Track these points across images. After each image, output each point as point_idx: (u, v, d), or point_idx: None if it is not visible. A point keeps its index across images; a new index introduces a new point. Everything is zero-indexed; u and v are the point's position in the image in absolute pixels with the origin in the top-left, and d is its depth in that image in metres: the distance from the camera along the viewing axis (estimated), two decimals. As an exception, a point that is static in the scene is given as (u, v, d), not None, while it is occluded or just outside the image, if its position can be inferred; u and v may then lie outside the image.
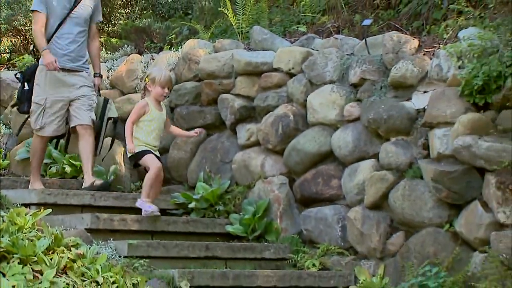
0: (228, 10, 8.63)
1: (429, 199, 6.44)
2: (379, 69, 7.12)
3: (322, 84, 7.43)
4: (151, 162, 7.01)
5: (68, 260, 5.59)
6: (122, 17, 10.17)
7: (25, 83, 7.56)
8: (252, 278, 6.47)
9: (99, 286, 5.46)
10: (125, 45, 9.52)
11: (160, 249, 6.63)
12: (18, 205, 6.58)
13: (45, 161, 8.47)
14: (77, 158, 8.37)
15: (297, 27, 8.53)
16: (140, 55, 9.02)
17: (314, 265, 6.93)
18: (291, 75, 7.72)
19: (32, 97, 7.44)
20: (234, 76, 8.06)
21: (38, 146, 7.58)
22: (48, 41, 7.42)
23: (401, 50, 7.00)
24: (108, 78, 8.91)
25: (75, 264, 5.60)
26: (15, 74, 7.94)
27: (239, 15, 8.69)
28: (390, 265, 6.68)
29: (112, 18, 10.24)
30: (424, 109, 6.64)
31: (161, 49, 9.03)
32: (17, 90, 7.84)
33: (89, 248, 5.99)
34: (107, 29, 10.28)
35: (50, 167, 8.46)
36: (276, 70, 7.81)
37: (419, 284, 6.12)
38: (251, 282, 6.46)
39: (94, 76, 7.78)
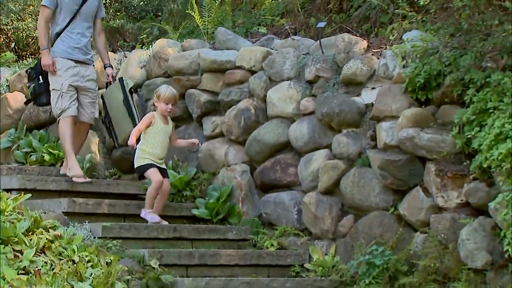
0: (195, 13, 8.65)
1: (376, 185, 6.50)
2: (332, 68, 7.17)
3: (280, 80, 7.47)
4: (153, 177, 6.84)
5: (46, 240, 5.60)
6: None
7: (39, 77, 7.42)
8: (215, 257, 6.50)
9: (75, 265, 5.44)
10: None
11: (132, 230, 6.63)
12: (0, 191, 6.54)
13: (25, 150, 8.50)
14: (55, 147, 8.39)
15: (258, 29, 8.53)
16: (114, 53, 9.00)
17: (272, 245, 6.95)
18: (252, 72, 7.75)
19: (50, 86, 7.32)
20: (200, 73, 8.07)
21: (66, 130, 7.31)
22: (59, 34, 7.34)
23: (352, 50, 7.05)
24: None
25: (53, 244, 5.61)
26: (26, 71, 7.77)
27: (205, 17, 8.71)
28: (341, 245, 6.74)
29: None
30: (372, 104, 6.69)
31: (133, 48, 9.02)
32: (29, 88, 7.60)
33: (66, 230, 6.01)
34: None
35: (31, 156, 8.38)
36: (239, 67, 7.83)
37: (366, 261, 6.17)
38: (215, 260, 6.48)
39: (105, 67, 7.76)
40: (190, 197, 7.60)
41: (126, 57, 8.74)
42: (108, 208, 7.02)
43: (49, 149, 8.36)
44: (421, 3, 6.14)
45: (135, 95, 7.65)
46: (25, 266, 5.22)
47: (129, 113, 7.49)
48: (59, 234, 5.73)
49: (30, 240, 5.50)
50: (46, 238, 5.61)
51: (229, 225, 7.27)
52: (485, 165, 5.41)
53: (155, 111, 7.01)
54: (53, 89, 7.30)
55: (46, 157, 8.31)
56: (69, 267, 5.38)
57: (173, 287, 5.85)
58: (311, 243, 6.93)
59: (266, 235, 7.09)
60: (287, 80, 7.43)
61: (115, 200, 7.23)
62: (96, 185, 7.56)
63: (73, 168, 7.27)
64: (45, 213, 6.37)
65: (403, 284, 6.00)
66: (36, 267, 5.26)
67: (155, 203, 6.92)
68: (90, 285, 5.13)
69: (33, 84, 7.48)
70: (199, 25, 8.72)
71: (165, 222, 6.80)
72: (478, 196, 5.68)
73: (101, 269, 5.49)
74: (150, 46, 8.65)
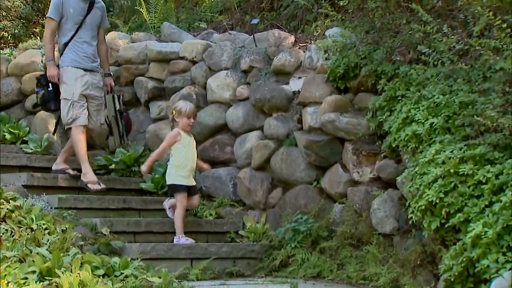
0: (143, 9, 8.58)
1: (301, 163, 6.59)
2: (264, 59, 7.21)
3: (219, 70, 7.49)
4: (181, 201, 6.40)
5: (7, 210, 5.57)
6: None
7: (49, 84, 6.87)
8: (160, 225, 6.52)
9: (33, 232, 5.40)
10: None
11: (85, 202, 6.62)
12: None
13: (-13, 129, 8.36)
14: (16, 127, 8.27)
15: (199, 24, 8.51)
16: (70, 43, 8.89)
17: (211, 214, 6.98)
18: (194, 62, 7.76)
19: (60, 96, 6.82)
20: (147, 62, 8.04)
21: (78, 138, 6.81)
22: (67, 44, 6.88)
23: (281, 44, 7.13)
24: (42, 62, 8.72)
25: (13, 214, 5.57)
26: (36, 77, 7.20)
27: (152, 13, 8.66)
28: (270, 214, 6.81)
29: (46, 12, 9.97)
30: (299, 91, 6.77)
31: (87, 39, 8.92)
32: (38, 94, 7.01)
33: (25, 201, 5.98)
34: (42, 21, 10.04)
35: (-8, 134, 8.30)
36: (182, 58, 7.83)
37: (292, 228, 6.25)
38: (160, 228, 6.51)
39: (105, 76, 7.23)
40: (138, 172, 7.52)
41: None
42: (63, 182, 6.95)
43: (10, 129, 8.24)
44: (341, 3, 6.20)
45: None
46: (-13, 233, 5.18)
47: (118, 131, 7.20)
48: (19, 205, 5.68)
49: (-8, 210, 5.45)
50: (7, 208, 5.56)
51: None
52: (394, 145, 5.49)
53: (173, 127, 6.62)
54: (64, 98, 6.81)
55: (7, 136, 8.18)
56: (28, 234, 5.34)
57: (122, 252, 5.84)
58: (244, 213, 6.99)
59: (205, 206, 7.09)
60: (225, 69, 7.46)
61: (70, 175, 7.13)
62: (53, 161, 7.44)
63: (87, 174, 6.84)
64: (6, 186, 6.32)
65: (323, 247, 6.10)
66: (-2, 233, 5.23)
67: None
68: (47, 249, 5.09)
69: (43, 91, 6.92)
70: (147, 20, 8.67)
71: (194, 243, 6.34)
72: (387, 171, 5.78)
73: (57, 236, 5.45)
74: (103, 38, 8.56)
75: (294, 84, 6.90)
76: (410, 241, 5.36)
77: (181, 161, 6.46)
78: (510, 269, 3.72)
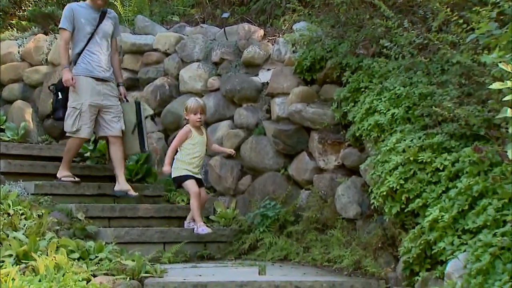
0: (117, 2, 8.54)
1: (270, 151, 6.61)
2: (235, 52, 7.24)
3: (191, 62, 7.49)
4: (191, 188, 6.19)
5: (-15, 196, 5.53)
6: (31, 4, 9.82)
7: (59, 93, 6.64)
8: (134, 210, 6.51)
9: (10, 217, 5.34)
10: (33, 27, 9.23)
11: (61, 188, 6.57)
12: None
13: (-33, 118, 8.25)
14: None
15: (172, 17, 8.49)
16: (46, 35, 8.79)
17: (183, 200, 6.97)
18: (167, 54, 7.76)
19: (68, 102, 6.55)
20: (122, 54, 7.98)
21: (73, 147, 6.62)
22: (80, 54, 6.60)
23: (251, 38, 7.13)
24: (19, 52, 8.66)
25: (-10, 199, 5.54)
26: (49, 87, 7.03)
27: (126, 6, 8.62)
28: (240, 200, 6.84)
29: (23, 5, 9.87)
30: (267, 83, 6.79)
31: (63, 31, 8.84)
32: (51, 101, 6.82)
33: (2, 187, 5.93)
34: (18, 13, 9.95)
35: (-29, 125, 8.20)
36: (155, 50, 7.83)
37: (261, 213, 6.28)
38: (133, 213, 6.49)
39: (118, 86, 6.88)
40: (113, 160, 7.54)
41: (56, 38, 8.54)
42: (40, 169, 6.91)
43: (-13, 119, 8.16)
44: (308, -1, 6.26)
45: (149, 119, 7.00)
46: (-35, 218, 5.12)
47: (140, 138, 6.76)
48: (-4, 191, 5.64)
49: (-30, 195, 5.39)
50: (-15, 194, 5.52)
51: (146, 184, 7.26)
52: (357, 134, 5.51)
53: (187, 124, 6.35)
54: (72, 107, 6.52)
55: (-15, 126, 8.10)
56: (4, 219, 5.28)
57: (97, 236, 5.81)
58: (215, 199, 6.99)
59: (178, 192, 7.07)
60: (197, 61, 7.46)
61: (47, 162, 7.12)
62: (30, 149, 7.43)
63: (62, 171, 6.64)
64: (-16, 172, 6.27)
65: (290, 231, 6.13)
66: (-24, 218, 5.17)
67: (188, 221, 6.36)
68: (23, 234, 5.06)
69: (52, 99, 6.77)
70: (121, 13, 8.61)
71: (209, 230, 6.18)
72: (351, 159, 5.81)
73: (33, 221, 5.41)
74: (78, 30, 8.48)
75: (263, 76, 6.92)
76: (372, 225, 5.40)
77: (188, 158, 6.24)
78: (464, 251, 3.77)
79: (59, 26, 6.71)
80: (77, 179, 6.67)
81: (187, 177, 6.20)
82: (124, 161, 6.81)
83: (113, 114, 6.65)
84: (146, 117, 6.85)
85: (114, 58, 6.90)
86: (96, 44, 6.63)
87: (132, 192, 6.63)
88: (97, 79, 6.57)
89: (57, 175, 6.66)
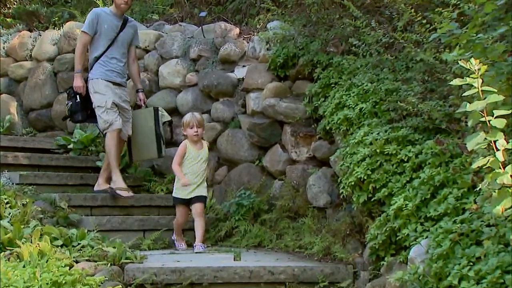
0: (99, 0, 8.49)
1: (245, 143, 6.61)
2: (212, 49, 7.20)
3: (170, 58, 7.45)
4: (177, 213, 5.99)
5: (-29, 186, 5.47)
6: (15, 2, 9.72)
7: (77, 96, 6.42)
8: (115, 200, 6.42)
9: (-4, 206, 5.36)
10: (18, 24, 9.15)
11: (45, 178, 6.53)
12: None
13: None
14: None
15: (152, 16, 8.43)
16: (30, 32, 8.71)
17: (162, 190, 6.93)
18: (147, 51, 7.71)
19: (93, 105, 6.39)
20: (104, 50, 7.96)
21: (112, 143, 6.34)
22: (98, 58, 6.44)
23: (227, 36, 7.12)
24: (4, 48, 8.57)
25: (-23, 189, 5.49)
26: (66, 90, 6.81)
27: (107, 5, 8.52)
28: (217, 190, 6.81)
29: (8, 2, 9.77)
30: (243, 79, 6.76)
31: (47, 28, 8.74)
32: (67, 106, 6.55)
33: (-11, 177, 5.89)
34: (3, 11, 9.85)
35: (-42, 117, 8.11)
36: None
37: (236, 202, 6.27)
38: (114, 202, 6.41)
39: (137, 92, 6.79)
40: (95, 151, 7.48)
41: (40, 35, 8.47)
42: (24, 160, 6.85)
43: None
44: (281, -1, 6.27)
45: (166, 125, 6.84)
46: (-48, 207, 5.07)
47: (158, 143, 6.61)
48: (-18, 181, 5.58)
49: (-43, 185, 5.33)
50: (-29, 184, 5.47)
51: (126, 174, 7.15)
52: (328, 128, 5.53)
53: (186, 140, 6.05)
54: (97, 106, 6.36)
55: (-29, 118, 8.03)
56: (-9, 208, 5.26)
57: (80, 224, 5.78)
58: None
59: (157, 182, 7.06)
60: (175, 58, 7.42)
61: (31, 153, 7.06)
62: (15, 140, 7.39)
63: (117, 181, 6.39)
64: (-30, 164, 6.21)
65: (264, 219, 6.14)
66: (-38, 207, 5.12)
67: (196, 232, 5.91)
68: (8, 222, 5.02)
69: (71, 103, 6.48)
70: (103, 11, 8.55)
71: (202, 247, 5.78)
72: (322, 151, 5.83)
73: (18, 209, 5.37)
74: (61, 27, 8.41)
75: (239, 72, 6.90)
76: (341, 213, 5.42)
77: (184, 174, 5.91)
78: (426, 237, 3.81)
79: (81, 29, 6.54)
80: (131, 194, 6.44)
81: (178, 201, 5.96)
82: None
83: (125, 117, 6.53)
84: (164, 123, 6.73)
85: (133, 65, 6.77)
86: (115, 50, 6.50)
87: (126, 193, 6.42)
88: (113, 83, 6.47)
89: (111, 184, 6.42)
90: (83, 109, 6.47)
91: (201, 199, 5.92)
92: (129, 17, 6.80)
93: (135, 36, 6.77)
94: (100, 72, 6.45)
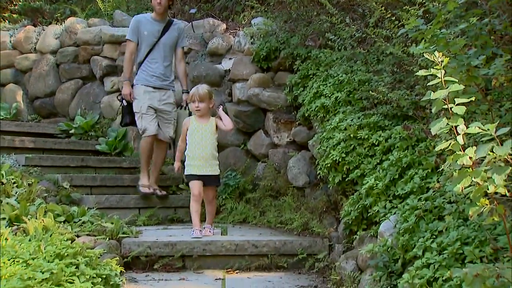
0: (98, -2, 8.44)
1: (231, 129, 6.62)
2: (201, 43, 7.18)
3: (163, 51, 7.42)
4: (191, 189, 5.23)
5: (-19, 167, 5.43)
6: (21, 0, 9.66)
7: (123, 101, 6.12)
8: (113, 180, 6.46)
9: (4, 185, 5.26)
10: (24, 20, 9.07)
11: (49, 160, 6.50)
12: None
13: (-37, 100, 8.09)
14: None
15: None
16: (35, 27, 8.63)
17: (155, 171, 6.95)
18: (141, 44, 7.67)
19: (134, 109, 6.11)
20: (102, 44, 7.88)
21: (146, 147, 6.13)
22: (140, 64, 6.14)
23: (215, 31, 7.10)
24: (11, 42, 8.48)
25: (-14, 170, 5.45)
26: (117, 96, 6.57)
27: (106, 2, 8.48)
28: (205, 171, 6.81)
29: (14, 0, 9.68)
30: (229, 70, 6.74)
31: (50, 24, 8.65)
32: (119, 108, 6.36)
33: (-3, 159, 5.85)
34: (10, 7, 9.75)
35: (-32, 104, 8.04)
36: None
37: (223, 183, 6.26)
38: (113, 183, 6.44)
39: (183, 93, 6.30)
40: (94, 136, 7.49)
41: (44, 30, 8.40)
42: (30, 144, 6.81)
43: (-16, 101, 8.02)
44: (264, -3, 6.24)
45: None
46: (-37, 187, 5.03)
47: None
48: (-9, 163, 5.54)
49: (-32, 167, 5.29)
50: (-19, 166, 5.43)
51: (123, 157, 7.20)
52: (306, 115, 5.55)
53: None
54: (135, 112, 6.09)
55: (-21, 106, 7.96)
56: (-1, 187, 5.22)
57: (81, 202, 5.77)
58: (183, 170, 6.92)
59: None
60: (168, 51, 7.37)
61: (36, 138, 7.02)
62: (21, 126, 7.35)
63: (142, 179, 6.23)
64: (-21, 147, 6.16)
65: (248, 198, 6.17)
66: (-27, 187, 5.08)
67: (207, 216, 5.38)
68: (15, 200, 4.99)
69: (121, 106, 6.25)
70: (101, 8, 8.48)
71: (211, 230, 5.26)
72: (301, 136, 5.85)
73: (24, 189, 5.34)
74: (63, 23, 8.34)
75: (226, 64, 6.89)
76: (318, 192, 5.45)
77: (189, 149, 5.27)
78: (395, 213, 3.83)
79: (126, 37, 6.27)
80: (162, 192, 6.24)
81: (190, 177, 5.25)
82: (162, 165, 6.41)
83: (165, 119, 6.21)
84: None
85: (179, 66, 6.32)
86: (156, 55, 6.15)
87: (159, 191, 6.24)
88: (154, 87, 6.13)
89: (139, 182, 6.26)
90: (130, 113, 6.14)
91: (213, 181, 5.29)
92: (174, 20, 6.44)
93: (181, 38, 6.31)
94: (140, 78, 6.15)
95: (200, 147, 5.22)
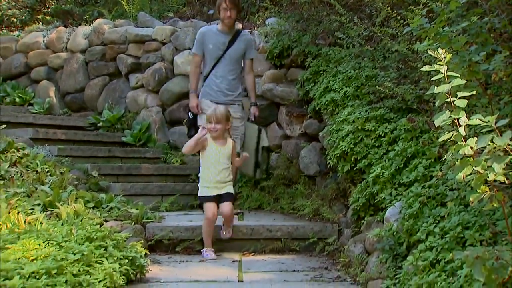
0: (123, 0, 8.42)
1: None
2: (219, 42, 7.18)
3: (183, 49, 7.39)
4: (205, 211, 4.67)
5: (17, 157, 5.44)
6: (53, 2, 9.67)
7: (189, 113, 5.54)
8: (138, 169, 6.48)
9: (38, 174, 5.30)
10: (56, 21, 9.12)
11: (79, 151, 6.54)
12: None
13: (1, 94, 8.15)
14: (23, 92, 8.11)
15: (168, 13, 8.36)
16: (66, 27, 8.66)
17: (177, 161, 6.92)
18: (163, 43, 7.62)
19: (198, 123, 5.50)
20: (127, 43, 7.86)
21: None
22: (206, 77, 5.58)
23: (232, 30, 7.08)
24: (44, 42, 8.52)
25: (22, 160, 5.45)
26: (185, 108, 6.18)
27: (131, 4, 8.47)
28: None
29: (47, 3, 9.74)
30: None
31: (79, 25, 8.68)
32: (185, 120, 5.73)
33: (32, 150, 5.86)
34: (43, 10, 9.82)
35: (6, 98, 8.10)
36: (154, 40, 7.69)
37: (240, 172, 6.19)
38: (137, 171, 6.46)
39: (251, 106, 5.71)
40: (120, 128, 7.50)
41: (74, 31, 8.42)
42: (62, 136, 6.84)
43: (19, 94, 8.06)
44: (278, -1, 6.22)
45: (264, 151, 5.70)
46: (2, 174, 5.07)
47: (256, 163, 5.63)
48: (27, 153, 5.58)
49: (6, 156, 5.33)
50: (17, 156, 5.45)
51: (147, 148, 7.22)
52: (317, 108, 5.54)
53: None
54: (202, 127, 5.01)
55: (17, 100, 8.01)
56: (33, 176, 5.25)
57: (108, 189, 5.82)
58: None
59: (173, 155, 7.05)
60: (188, 49, 7.32)
61: (67, 130, 7.06)
62: (53, 119, 7.39)
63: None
64: (16, 138, 6.18)
65: (263, 186, 6.15)
66: (10, 175, 5.13)
67: (222, 230, 4.85)
68: (49, 187, 5.04)
69: (187, 118, 5.66)
70: (127, 10, 8.48)
71: (213, 256, 4.60)
72: (312, 128, 5.83)
73: (57, 177, 5.38)
74: (92, 24, 8.37)
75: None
76: (328, 180, 5.44)
77: (204, 172, 4.74)
78: (400, 200, 3.82)
79: (192, 51, 5.76)
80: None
81: (204, 199, 4.71)
82: (235, 179, 5.57)
83: (232, 134, 5.36)
84: (263, 148, 5.65)
85: (248, 78, 5.71)
86: (221, 68, 5.55)
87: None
88: (218, 103, 5.39)
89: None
90: (194, 126, 5.54)
91: (228, 197, 4.73)
92: (242, 31, 5.75)
93: (249, 50, 5.66)
94: (204, 92, 5.60)
95: (216, 171, 4.68)
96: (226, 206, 4.68)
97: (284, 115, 6.14)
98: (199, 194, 4.76)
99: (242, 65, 5.69)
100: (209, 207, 4.64)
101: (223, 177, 4.70)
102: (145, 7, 8.58)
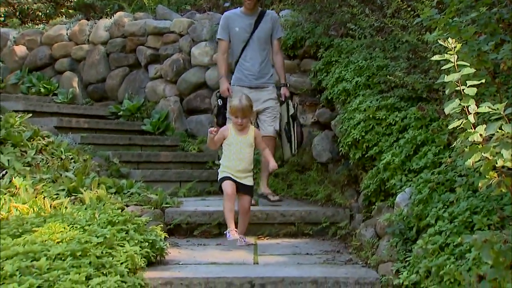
0: (142, -8, 8.47)
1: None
2: (234, 33, 7.16)
3: (200, 41, 7.41)
4: (224, 189, 4.37)
5: (43, 145, 5.49)
6: (76, -3, 9.77)
7: (219, 100, 5.26)
8: (157, 157, 6.53)
9: (62, 161, 5.36)
10: (78, 14, 9.17)
11: (101, 139, 6.59)
12: (10, 111, 6.34)
13: (27, 84, 8.23)
14: (48, 83, 8.19)
15: (185, 6, 8.37)
16: (88, 20, 8.71)
17: (194, 149, 6.98)
18: (181, 35, 7.66)
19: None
20: (146, 35, 7.90)
21: None
22: (236, 62, 5.33)
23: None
24: (67, 34, 8.57)
25: (47, 147, 5.50)
26: (215, 93, 5.97)
27: (147, -4, 8.53)
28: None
29: (70, -3, 9.85)
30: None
31: (101, 18, 8.72)
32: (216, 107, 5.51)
33: (56, 138, 5.92)
34: (66, 4, 9.88)
35: (31, 88, 8.18)
36: (172, 32, 7.72)
37: (255, 159, 6.07)
38: (156, 158, 6.51)
39: (281, 87, 5.39)
40: (140, 118, 7.56)
41: (95, 23, 8.46)
42: (84, 124, 6.91)
43: (44, 84, 8.15)
44: (291, -9, 6.17)
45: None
46: (28, 161, 5.12)
47: (288, 138, 5.31)
48: (51, 141, 5.63)
49: (32, 144, 5.38)
50: (43, 143, 5.51)
51: (166, 136, 7.26)
52: (329, 97, 5.48)
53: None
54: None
55: (42, 90, 8.11)
56: (58, 162, 5.31)
57: (129, 176, 5.86)
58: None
59: (190, 143, 7.09)
60: (204, 41, 7.37)
61: (89, 119, 7.14)
62: (76, 109, 7.47)
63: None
64: (42, 127, 6.24)
65: (277, 172, 6.07)
66: (36, 162, 5.18)
67: (239, 225, 4.48)
68: (73, 173, 5.09)
69: (216, 105, 5.41)
70: (146, 3, 8.51)
71: (244, 240, 4.33)
72: (324, 117, 5.79)
73: (80, 164, 5.44)
74: (112, 17, 8.39)
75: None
76: (340, 167, 5.41)
77: (225, 160, 4.49)
78: (410, 186, 3.80)
79: (217, 37, 5.43)
80: (275, 196, 5.26)
81: (223, 179, 4.42)
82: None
83: (267, 115, 5.28)
84: (290, 116, 5.34)
85: (276, 58, 5.39)
86: (250, 51, 5.27)
87: (272, 196, 5.25)
88: (250, 87, 5.24)
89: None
90: (222, 113, 5.28)
91: (247, 190, 4.48)
92: (267, 10, 5.47)
93: (276, 28, 5.36)
94: (235, 78, 5.35)
95: (237, 161, 4.43)
96: (245, 199, 4.46)
97: (298, 104, 6.10)
98: (218, 177, 4.49)
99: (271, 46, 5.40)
100: (228, 183, 4.36)
101: (244, 167, 4.45)
102: (163, 0, 8.58)
